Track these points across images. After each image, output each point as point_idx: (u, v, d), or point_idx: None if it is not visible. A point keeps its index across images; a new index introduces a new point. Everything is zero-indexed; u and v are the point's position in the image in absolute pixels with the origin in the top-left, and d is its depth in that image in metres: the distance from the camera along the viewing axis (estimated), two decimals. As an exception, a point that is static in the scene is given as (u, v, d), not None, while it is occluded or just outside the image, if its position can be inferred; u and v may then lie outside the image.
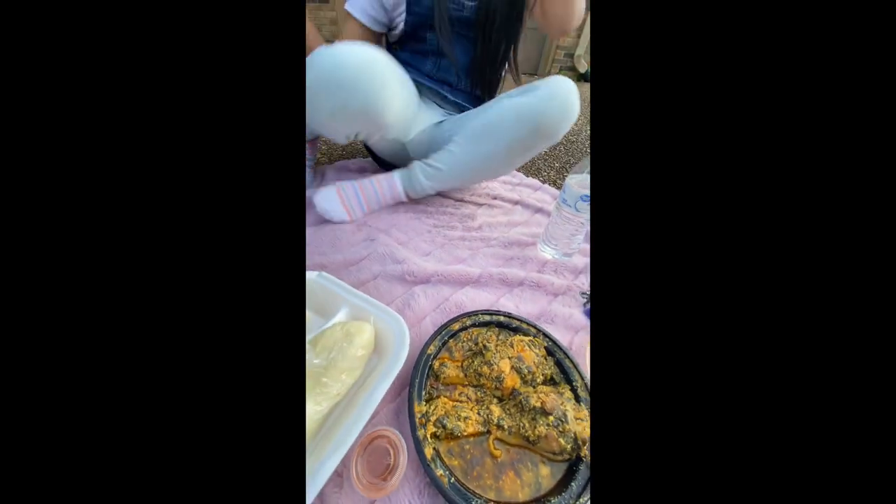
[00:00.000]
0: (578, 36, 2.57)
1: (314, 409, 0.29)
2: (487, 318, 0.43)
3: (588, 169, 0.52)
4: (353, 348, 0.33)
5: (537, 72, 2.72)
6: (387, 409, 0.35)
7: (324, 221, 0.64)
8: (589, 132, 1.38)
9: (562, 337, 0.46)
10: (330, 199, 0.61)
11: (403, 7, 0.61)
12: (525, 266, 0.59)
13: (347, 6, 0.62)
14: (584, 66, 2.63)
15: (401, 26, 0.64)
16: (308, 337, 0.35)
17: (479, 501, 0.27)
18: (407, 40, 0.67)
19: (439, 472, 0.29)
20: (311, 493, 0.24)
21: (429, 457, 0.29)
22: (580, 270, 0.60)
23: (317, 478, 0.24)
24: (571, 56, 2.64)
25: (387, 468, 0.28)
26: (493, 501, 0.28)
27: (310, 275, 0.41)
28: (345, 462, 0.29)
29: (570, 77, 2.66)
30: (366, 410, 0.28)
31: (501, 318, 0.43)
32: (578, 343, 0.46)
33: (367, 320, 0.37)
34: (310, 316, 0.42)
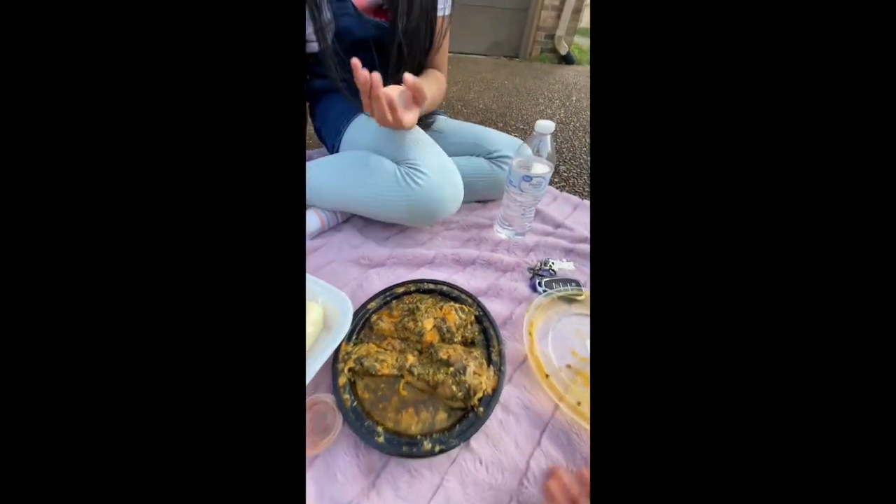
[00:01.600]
0: (558, 17, 2.55)
1: None
2: (431, 286, 0.48)
3: (530, 150, 0.56)
4: (311, 314, 0.38)
5: (518, 54, 2.70)
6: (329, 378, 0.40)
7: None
8: (573, 125, 1.39)
9: (504, 308, 0.51)
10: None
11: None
12: (479, 246, 0.63)
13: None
14: (564, 47, 2.60)
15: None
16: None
17: (370, 423, 0.32)
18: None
19: (346, 396, 0.34)
20: None
21: (340, 384, 0.35)
22: (531, 248, 0.64)
23: None
24: (552, 38, 2.61)
25: (327, 428, 0.33)
26: (383, 427, 0.33)
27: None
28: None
29: (551, 59, 2.58)
30: (307, 375, 0.33)
31: (444, 288, 0.48)
32: (519, 313, 0.50)
33: (315, 301, 0.42)
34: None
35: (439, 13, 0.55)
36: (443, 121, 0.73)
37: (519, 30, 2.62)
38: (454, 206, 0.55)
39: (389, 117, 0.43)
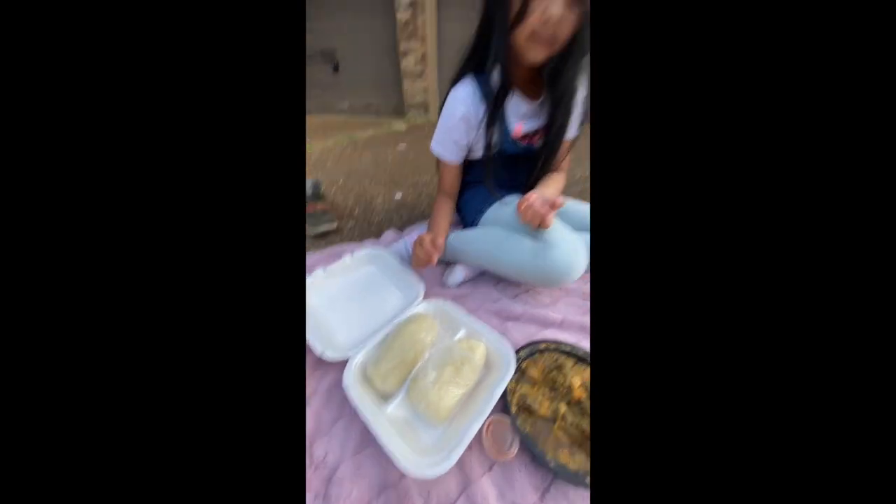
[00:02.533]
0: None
1: (456, 392, 0.48)
2: (569, 349, 0.58)
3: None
4: (476, 357, 0.52)
5: None
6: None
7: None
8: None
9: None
10: (456, 273, 0.83)
11: (480, 143, 0.72)
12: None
13: (435, 150, 0.76)
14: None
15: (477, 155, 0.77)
16: (445, 343, 0.55)
17: (539, 450, 0.43)
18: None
19: (518, 422, 0.46)
20: (457, 452, 0.39)
21: (513, 411, 0.47)
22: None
23: (462, 442, 0.40)
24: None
25: (508, 443, 0.44)
26: (552, 457, 0.42)
27: (438, 301, 0.64)
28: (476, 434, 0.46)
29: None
30: (492, 398, 0.46)
31: (580, 354, 0.57)
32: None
33: (480, 340, 0.57)
34: (440, 330, 0.63)
35: (570, 137, 0.72)
36: (569, 203, 0.87)
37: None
38: (578, 274, 0.65)
39: (547, 222, 0.59)
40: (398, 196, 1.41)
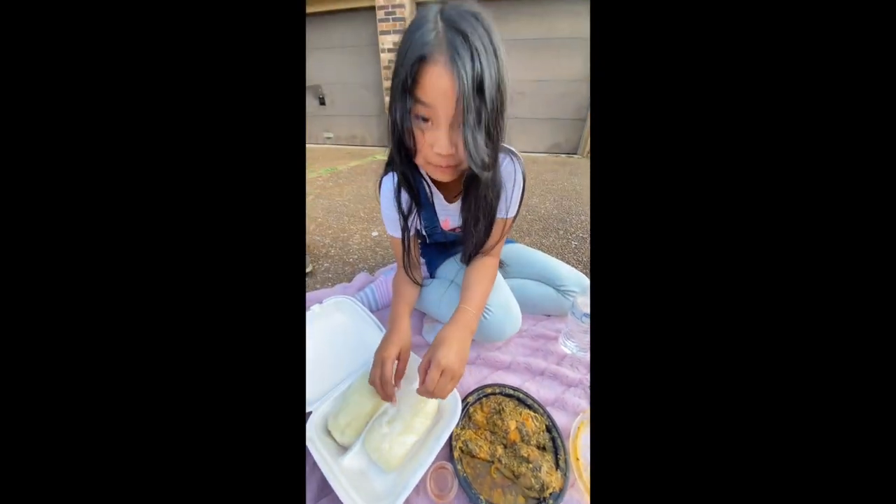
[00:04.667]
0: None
1: (410, 439, 0.55)
2: (511, 391, 0.66)
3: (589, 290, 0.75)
4: (428, 407, 0.59)
5: (577, 151, 3.09)
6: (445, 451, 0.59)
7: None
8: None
9: (566, 419, 0.64)
10: (429, 331, 0.89)
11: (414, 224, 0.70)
12: (547, 358, 0.80)
13: (388, 232, 0.74)
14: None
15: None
16: (401, 393, 0.62)
17: (475, 492, 0.49)
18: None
19: (459, 467, 0.52)
20: (402, 498, 0.45)
21: (455, 457, 0.54)
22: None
23: (406, 488, 0.46)
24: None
25: (448, 487, 0.51)
26: (485, 498, 0.49)
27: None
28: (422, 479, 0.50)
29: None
30: (437, 446, 0.52)
31: (521, 395, 0.65)
32: (576, 424, 0.64)
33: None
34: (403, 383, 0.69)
35: (501, 216, 0.65)
36: (516, 249, 0.97)
37: (577, 133, 3.07)
38: (512, 333, 0.75)
39: (445, 395, 0.53)
40: (375, 234, 1.49)
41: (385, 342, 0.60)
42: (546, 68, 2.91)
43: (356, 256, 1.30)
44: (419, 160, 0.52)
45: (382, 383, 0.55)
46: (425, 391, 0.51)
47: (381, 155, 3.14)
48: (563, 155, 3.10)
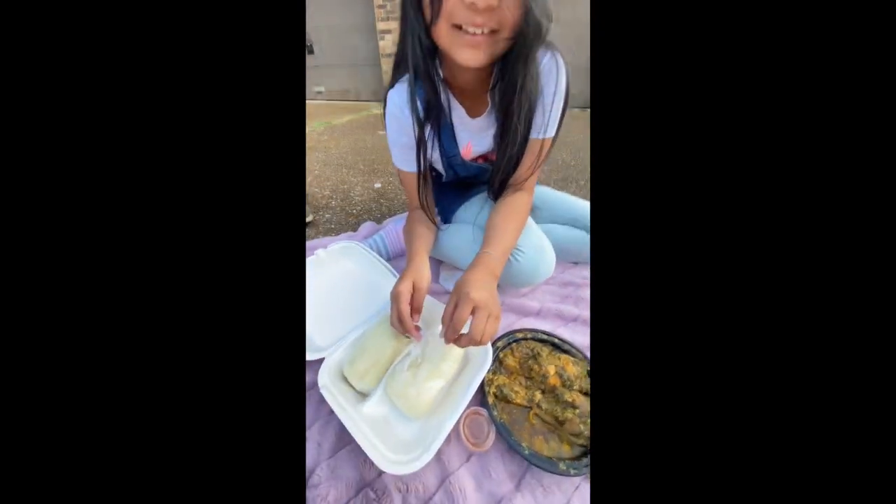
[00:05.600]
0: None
1: (438, 384, 0.48)
2: (544, 336, 0.59)
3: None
4: (455, 351, 0.52)
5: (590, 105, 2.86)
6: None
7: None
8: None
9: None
10: (448, 278, 0.78)
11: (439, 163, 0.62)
12: (578, 305, 0.73)
13: (395, 164, 0.62)
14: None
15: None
16: (423, 338, 0.55)
17: (513, 439, 0.43)
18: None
19: (494, 413, 0.46)
20: (435, 445, 0.40)
21: (490, 402, 0.48)
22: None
23: (439, 435, 0.41)
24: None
25: (485, 434, 0.45)
26: (526, 445, 0.43)
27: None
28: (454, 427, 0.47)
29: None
30: (469, 391, 0.46)
31: (556, 340, 0.58)
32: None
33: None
34: (422, 326, 0.62)
35: (536, 135, 0.52)
36: (540, 190, 0.85)
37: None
38: (545, 277, 0.64)
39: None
40: (378, 185, 1.37)
41: (398, 280, 0.50)
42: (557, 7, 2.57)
43: (360, 208, 1.19)
44: (440, 31, 0.37)
45: (400, 319, 0.47)
46: (453, 331, 0.42)
47: (378, 108, 2.90)
48: (576, 109, 2.85)
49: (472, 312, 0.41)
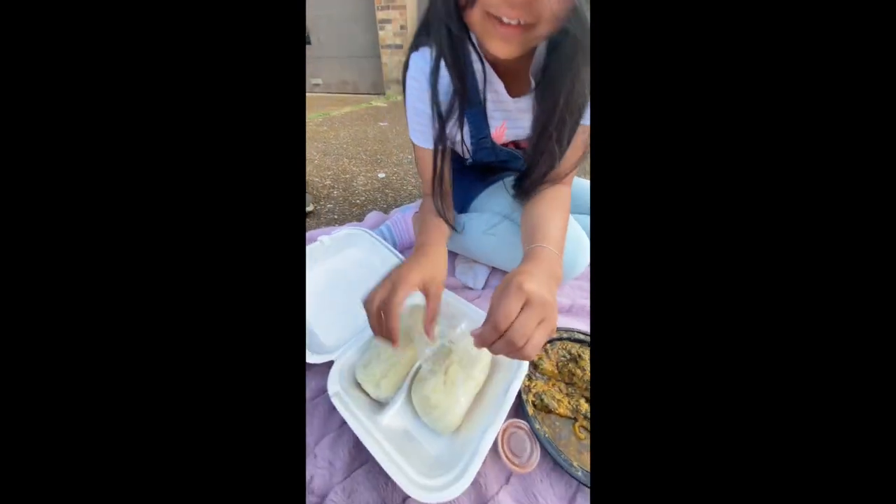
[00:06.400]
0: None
1: (470, 392, 0.41)
2: (582, 336, 0.52)
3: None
4: (484, 352, 0.45)
5: None
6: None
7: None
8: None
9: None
10: (465, 271, 0.71)
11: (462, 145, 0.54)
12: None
13: (412, 137, 0.54)
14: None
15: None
16: (446, 338, 0.47)
17: (563, 457, 0.37)
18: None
19: (537, 426, 0.39)
20: (473, 468, 0.33)
21: (531, 413, 0.41)
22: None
23: (477, 455, 0.34)
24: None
25: (528, 452, 0.38)
26: (578, 464, 0.36)
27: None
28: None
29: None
30: (506, 401, 0.39)
31: (590, 340, 0.52)
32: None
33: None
34: (441, 321, 0.55)
35: (585, 122, 0.44)
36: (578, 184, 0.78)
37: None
38: (581, 270, 0.58)
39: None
40: (382, 175, 1.29)
41: (402, 266, 0.41)
42: None
43: (363, 198, 1.11)
44: (474, 17, 0.32)
45: (385, 311, 0.37)
46: (493, 330, 0.30)
47: (378, 101, 2.81)
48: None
49: (521, 310, 0.31)
